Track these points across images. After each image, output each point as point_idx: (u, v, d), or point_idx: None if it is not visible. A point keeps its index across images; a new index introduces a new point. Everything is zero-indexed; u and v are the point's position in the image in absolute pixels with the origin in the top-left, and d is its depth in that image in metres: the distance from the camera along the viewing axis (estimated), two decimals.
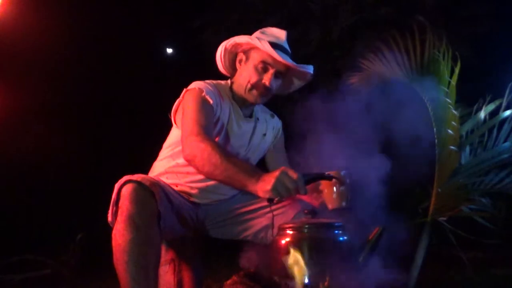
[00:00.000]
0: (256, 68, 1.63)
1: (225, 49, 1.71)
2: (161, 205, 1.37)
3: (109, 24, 4.79)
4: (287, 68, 1.66)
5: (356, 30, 3.57)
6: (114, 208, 1.36)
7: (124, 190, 1.33)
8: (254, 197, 1.69)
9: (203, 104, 1.56)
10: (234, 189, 1.70)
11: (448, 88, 1.86)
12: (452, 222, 1.96)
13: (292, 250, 1.24)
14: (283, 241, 1.26)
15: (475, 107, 2.02)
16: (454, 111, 1.83)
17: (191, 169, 1.57)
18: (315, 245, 1.23)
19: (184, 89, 1.65)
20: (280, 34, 1.69)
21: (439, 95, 1.86)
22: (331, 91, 1.75)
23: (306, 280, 1.26)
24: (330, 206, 1.40)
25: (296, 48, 3.69)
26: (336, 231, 1.27)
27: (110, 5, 4.78)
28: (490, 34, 3.61)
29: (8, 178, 4.32)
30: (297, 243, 1.24)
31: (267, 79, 1.62)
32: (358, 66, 2.18)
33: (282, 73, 1.67)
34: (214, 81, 1.72)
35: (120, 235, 1.30)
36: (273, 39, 1.64)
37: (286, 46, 1.69)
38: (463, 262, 2.14)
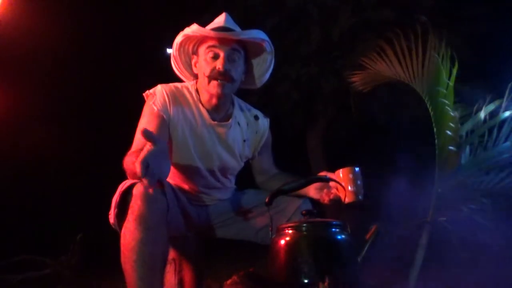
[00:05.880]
0: (206, 60, 1.56)
1: (175, 57, 1.68)
2: (169, 199, 1.38)
3: (109, 26, 4.80)
4: (239, 45, 1.58)
5: (356, 30, 3.57)
6: (116, 210, 1.34)
7: (135, 189, 1.32)
8: (253, 198, 1.71)
9: (149, 115, 1.55)
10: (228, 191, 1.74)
11: (446, 89, 1.86)
12: (452, 222, 1.96)
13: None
14: (282, 241, 1.26)
15: (475, 107, 2.01)
16: (451, 113, 1.83)
17: (187, 171, 1.61)
18: (313, 244, 1.23)
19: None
20: (219, 19, 1.63)
21: (438, 96, 1.86)
22: None
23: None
24: (346, 200, 1.40)
25: (296, 48, 3.69)
26: (335, 230, 1.27)
27: (110, 7, 4.79)
28: (490, 34, 3.60)
29: (8, 178, 4.33)
30: (295, 243, 1.24)
31: (219, 63, 1.53)
32: (358, 66, 2.18)
33: (236, 55, 1.57)
34: (180, 84, 1.66)
35: (130, 234, 1.29)
36: (211, 26, 1.59)
37: (229, 25, 1.61)
38: (463, 262, 2.14)
